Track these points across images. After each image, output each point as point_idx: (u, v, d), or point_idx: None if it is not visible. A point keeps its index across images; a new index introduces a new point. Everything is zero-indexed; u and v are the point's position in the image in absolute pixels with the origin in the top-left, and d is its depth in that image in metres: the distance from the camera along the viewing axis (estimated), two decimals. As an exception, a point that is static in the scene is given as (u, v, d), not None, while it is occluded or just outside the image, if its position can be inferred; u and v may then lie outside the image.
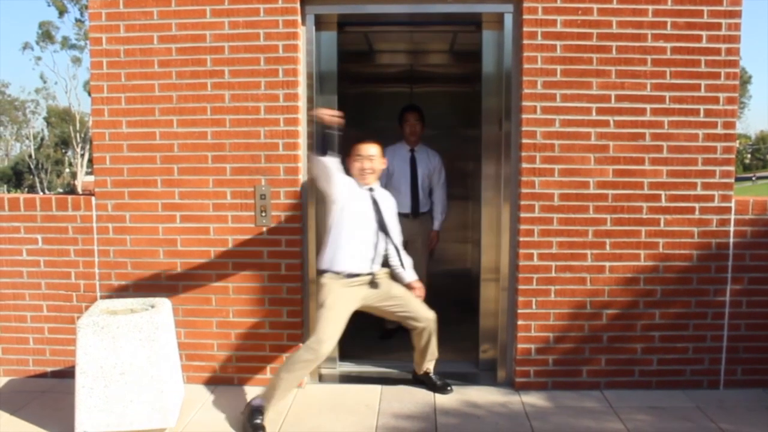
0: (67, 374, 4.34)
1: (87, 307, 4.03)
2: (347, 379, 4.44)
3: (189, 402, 4.06)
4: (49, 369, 4.48)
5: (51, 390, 4.26)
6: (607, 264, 4.20)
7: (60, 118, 42.21)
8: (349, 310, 3.83)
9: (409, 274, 4.18)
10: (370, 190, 3.97)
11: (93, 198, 4.34)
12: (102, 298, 4.33)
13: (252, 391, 4.18)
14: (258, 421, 3.59)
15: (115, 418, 3.56)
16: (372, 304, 3.98)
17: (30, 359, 4.48)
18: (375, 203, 3.94)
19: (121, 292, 4.34)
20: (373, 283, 3.91)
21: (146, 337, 3.59)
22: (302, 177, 4.27)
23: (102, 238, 4.34)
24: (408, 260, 4.18)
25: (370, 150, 3.96)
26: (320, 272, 3.90)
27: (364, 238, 3.88)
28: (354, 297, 3.86)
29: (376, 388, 4.27)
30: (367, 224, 3.90)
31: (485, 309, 4.50)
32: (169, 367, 3.70)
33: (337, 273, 3.83)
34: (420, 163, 5.29)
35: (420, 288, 4.15)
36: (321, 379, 4.46)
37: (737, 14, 4.08)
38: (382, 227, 3.94)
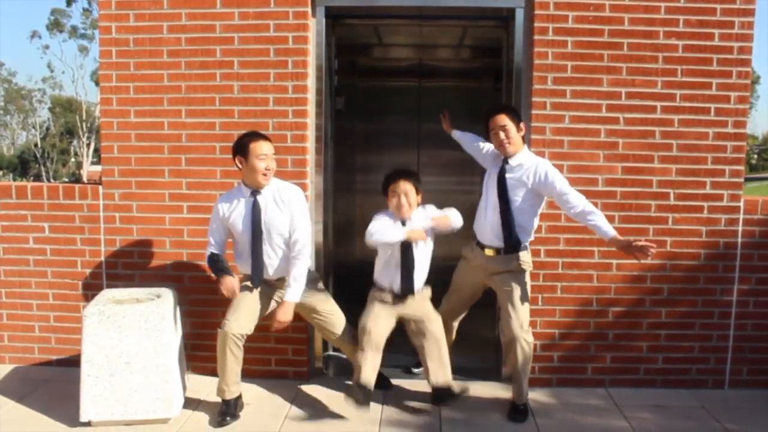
0: (72, 363, 4.35)
1: (93, 296, 4.03)
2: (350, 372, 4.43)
3: (194, 392, 4.06)
4: (54, 357, 4.49)
5: (56, 378, 4.27)
6: (614, 261, 4.19)
7: (64, 107, 42.25)
8: (263, 304, 3.78)
9: (289, 294, 3.67)
10: (253, 194, 3.70)
11: (100, 187, 4.34)
12: (108, 287, 4.33)
13: (256, 383, 4.19)
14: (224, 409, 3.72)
15: (119, 408, 3.57)
16: (298, 311, 3.90)
17: (35, 347, 4.50)
18: (255, 208, 3.68)
19: (127, 281, 4.35)
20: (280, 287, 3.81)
21: (152, 326, 3.59)
22: (310, 169, 4.27)
23: (109, 227, 4.35)
24: (298, 274, 3.68)
25: (271, 148, 3.67)
26: None
27: (250, 249, 3.71)
28: (269, 295, 3.81)
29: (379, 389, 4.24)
30: (247, 234, 3.71)
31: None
32: (174, 357, 3.70)
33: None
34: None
35: (279, 322, 3.68)
36: (324, 371, 4.46)
37: (751, 12, 4.06)
38: (257, 233, 3.69)
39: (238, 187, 3.77)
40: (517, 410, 3.80)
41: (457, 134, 4.31)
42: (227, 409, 3.69)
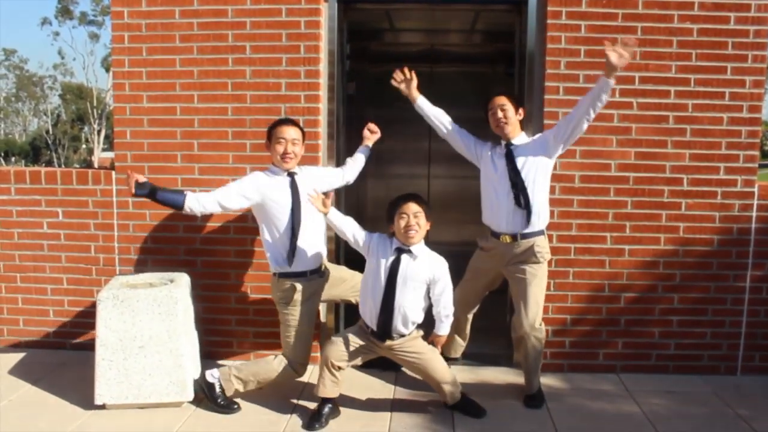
0: (86, 347, 4.38)
1: (106, 281, 4.06)
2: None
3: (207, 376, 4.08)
4: (68, 341, 4.53)
5: (70, 362, 4.31)
6: (627, 247, 4.18)
7: (75, 94, 42.34)
8: (314, 313, 3.76)
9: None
10: (290, 174, 3.65)
11: (113, 172, 4.35)
12: (121, 272, 4.36)
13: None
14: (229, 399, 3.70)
15: (133, 391, 3.60)
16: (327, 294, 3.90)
17: (50, 331, 4.53)
18: (293, 186, 3.62)
19: (140, 266, 4.37)
20: (321, 274, 3.78)
21: (165, 311, 3.61)
22: (322, 154, 4.27)
23: (122, 212, 4.36)
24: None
25: (293, 133, 3.61)
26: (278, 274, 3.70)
27: (290, 226, 3.59)
28: (316, 296, 3.77)
29: (391, 371, 4.22)
30: (286, 211, 3.60)
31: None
32: (187, 341, 3.73)
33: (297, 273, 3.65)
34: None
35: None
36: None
37: (767, -5, 4.01)
38: (296, 215, 3.59)
39: (269, 169, 3.70)
40: (531, 397, 3.81)
41: (423, 103, 3.91)
42: (232, 400, 3.71)
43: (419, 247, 3.47)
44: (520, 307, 3.71)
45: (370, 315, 3.49)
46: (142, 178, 3.40)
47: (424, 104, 3.91)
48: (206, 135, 4.25)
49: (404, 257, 3.43)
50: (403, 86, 3.87)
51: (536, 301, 3.71)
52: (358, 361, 3.59)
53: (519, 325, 3.72)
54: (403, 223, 3.40)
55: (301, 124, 4.12)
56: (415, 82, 3.85)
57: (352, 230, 3.53)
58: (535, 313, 3.70)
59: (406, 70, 3.83)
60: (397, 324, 3.45)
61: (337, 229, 3.56)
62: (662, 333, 4.25)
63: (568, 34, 4.06)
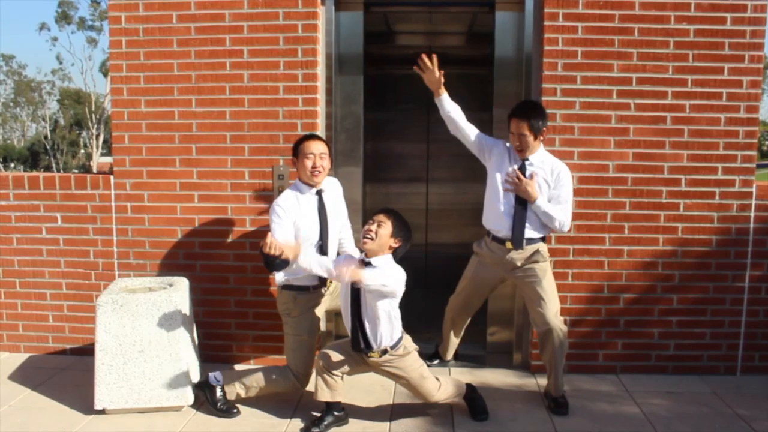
0: (85, 351, 4.39)
1: (105, 286, 4.06)
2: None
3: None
4: (68, 346, 4.53)
5: (70, 367, 4.31)
6: (626, 248, 4.18)
7: (73, 99, 42.37)
8: (316, 323, 3.78)
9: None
10: (318, 193, 3.68)
11: (112, 177, 4.35)
12: (120, 276, 4.36)
13: (268, 371, 4.20)
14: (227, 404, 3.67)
15: (133, 395, 3.60)
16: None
17: (49, 336, 4.53)
18: (320, 203, 3.68)
19: (139, 270, 4.37)
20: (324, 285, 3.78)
21: (165, 315, 3.62)
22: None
23: (120, 216, 4.37)
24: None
25: (320, 147, 3.62)
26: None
27: (317, 247, 3.67)
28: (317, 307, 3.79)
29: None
30: (315, 230, 3.65)
31: (497, 292, 4.45)
32: (187, 345, 3.72)
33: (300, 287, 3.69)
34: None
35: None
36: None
37: (764, -5, 4.02)
38: (324, 234, 3.67)
39: (295, 185, 3.70)
40: (559, 404, 3.73)
41: (446, 101, 3.79)
42: (233, 405, 3.71)
43: (381, 259, 3.34)
44: (539, 301, 3.69)
45: (348, 328, 3.47)
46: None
47: (445, 100, 3.78)
48: (204, 139, 4.25)
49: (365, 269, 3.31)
50: (426, 75, 3.70)
51: (553, 292, 3.73)
52: (349, 372, 3.53)
53: (542, 320, 3.70)
54: (365, 227, 3.36)
55: (299, 128, 4.15)
56: (437, 74, 3.67)
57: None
58: (555, 304, 3.72)
59: (432, 57, 3.65)
60: (370, 336, 3.38)
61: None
62: (662, 333, 4.25)
63: (565, 35, 4.06)
